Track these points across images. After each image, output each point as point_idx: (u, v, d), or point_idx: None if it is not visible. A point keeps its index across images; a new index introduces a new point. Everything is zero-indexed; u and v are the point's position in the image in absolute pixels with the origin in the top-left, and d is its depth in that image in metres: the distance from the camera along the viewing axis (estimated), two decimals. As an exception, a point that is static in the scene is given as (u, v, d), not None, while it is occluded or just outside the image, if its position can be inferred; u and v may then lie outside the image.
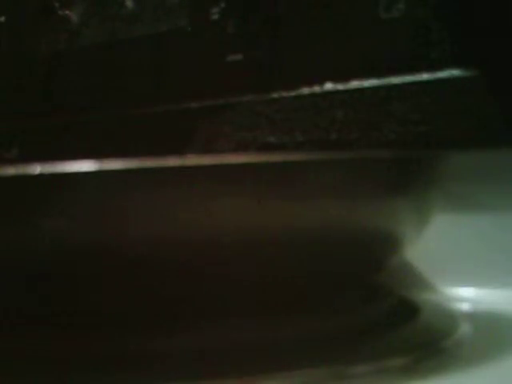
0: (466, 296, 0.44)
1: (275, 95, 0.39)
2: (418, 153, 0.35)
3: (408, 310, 0.37)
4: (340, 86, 0.37)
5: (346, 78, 0.37)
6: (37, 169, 0.27)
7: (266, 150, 0.39)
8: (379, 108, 0.36)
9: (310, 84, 0.38)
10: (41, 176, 0.27)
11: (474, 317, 0.40)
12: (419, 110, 0.35)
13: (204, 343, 0.30)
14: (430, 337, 0.35)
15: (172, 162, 0.28)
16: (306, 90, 0.39)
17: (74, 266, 0.29)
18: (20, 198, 0.28)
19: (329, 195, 0.31)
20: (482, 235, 0.45)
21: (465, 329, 0.36)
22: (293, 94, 0.39)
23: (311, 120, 0.38)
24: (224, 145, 0.40)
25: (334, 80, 0.38)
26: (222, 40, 0.41)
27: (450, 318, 0.39)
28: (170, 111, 0.43)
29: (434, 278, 0.45)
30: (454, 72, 0.35)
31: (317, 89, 0.38)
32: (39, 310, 0.30)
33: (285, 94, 0.39)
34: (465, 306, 0.42)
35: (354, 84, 0.37)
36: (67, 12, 0.47)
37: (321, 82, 0.38)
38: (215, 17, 0.42)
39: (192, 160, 0.30)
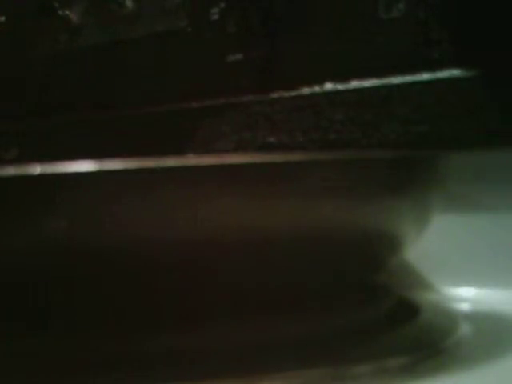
0: (465, 296, 0.44)
1: (275, 95, 0.39)
2: (418, 153, 0.35)
3: (408, 310, 0.37)
4: (340, 86, 0.37)
5: (345, 78, 0.37)
6: (37, 169, 0.27)
7: (266, 150, 0.39)
8: (379, 108, 0.36)
9: (309, 84, 0.38)
10: (41, 176, 0.27)
11: (474, 317, 0.40)
12: (419, 109, 0.35)
13: (204, 343, 0.30)
14: (430, 337, 0.35)
15: (172, 162, 0.28)
16: (306, 90, 0.39)
17: (73, 265, 0.29)
18: (20, 198, 0.28)
19: (329, 195, 0.31)
20: (481, 235, 0.45)
21: (465, 329, 0.36)
22: (293, 93, 0.39)
23: (311, 120, 0.38)
24: (224, 145, 0.40)
25: (334, 80, 0.38)
26: (222, 40, 0.41)
27: (450, 318, 0.39)
28: (170, 111, 0.43)
29: (434, 278, 0.45)
30: (454, 72, 0.35)
31: (317, 89, 0.38)
32: (39, 310, 0.30)
33: (285, 94, 0.39)
34: (465, 306, 0.42)
35: (354, 84, 0.37)
36: (67, 12, 0.47)
37: (321, 82, 0.38)
38: (215, 17, 0.42)
39: (192, 160, 0.30)
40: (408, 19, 0.36)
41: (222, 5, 0.41)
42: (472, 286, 0.44)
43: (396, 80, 0.36)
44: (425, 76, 0.35)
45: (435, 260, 0.45)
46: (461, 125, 0.35)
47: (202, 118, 0.41)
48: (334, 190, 0.31)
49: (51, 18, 0.48)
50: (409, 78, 0.36)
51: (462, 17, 0.35)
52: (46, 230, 0.28)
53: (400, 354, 0.32)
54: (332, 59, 0.38)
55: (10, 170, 0.27)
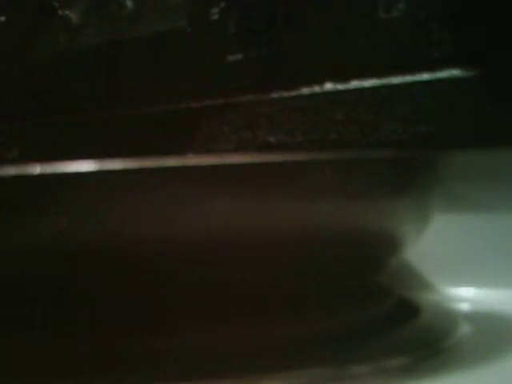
0: (465, 296, 0.44)
1: (275, 95, 0.39)
2: (418, 153, 0.35)
3: (408, 310, 0.37)
4: (340, 86, 0.37)
5: (345, 78, 0.37)
6: (37, 169, 0.27)
7: (266, 150, 0.39)
8: (379, 108, 0.36)
9: (309, 84, 0.38)
10: (41, 176, 0.27)
11: (474, 317, 0.40)
12: (419, 109, 0.35)
13: (204, 343, 0.30)
14: (430, 337, 0.35)
15: (172, 162, 0.28)
16: (306, 90, 0.39)
17: (73, 265, 0.29)
18: (20, 198, 0.28)
19: (329, 195, 0.31)
20: (481, 235, 0.45)
21: (465, 329, 0.36)
22: (293, 93, 0.39)
23: (311, 120, 0.38)
24: (224, 145, 0.40)
25: (334, 80, 0.38)
26: (222, 40, 0.41)
27: (450, 318, 0.39)
28: (170, 111, 0.43)
29: (434, 278, 0.45)
30: (454, 72, 0.35)
31: (317, 89, 0.38)
32: (39, 310, 0.30)
33: (285, 94, 0.39)
34: (465, 306, 0.42)
35: (354, 84, 0.37)
36: (67, 12, 0.47)
37: (321, 82, 0.38)
38: (215, 17, 0.42)
39: (192, 160, 0.30)
40: (408, 19, 0.36)
41: (222, 5, 0.41)
42: (472, 286, 0.45)
43: (396, 80, 0.36)
44: (425, 76, 0.35)
45: (435, 260, 0.45)
46: (461, 125, 0.35)
47: (202, 118, 0.41)
48: (334, 190, 0.31)
49: (51, 18, 0.48)
50: (409, 78, 0.36)
51: (462, 17, 0.35)
52: (46, 229, 0.28)
53: (400, 354, 0.32)
54: (332, 59, 0.38)
55: (10, 170, 0.27)
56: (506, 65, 0.34)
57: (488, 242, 0.44)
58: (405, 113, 0.36)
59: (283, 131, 0.39)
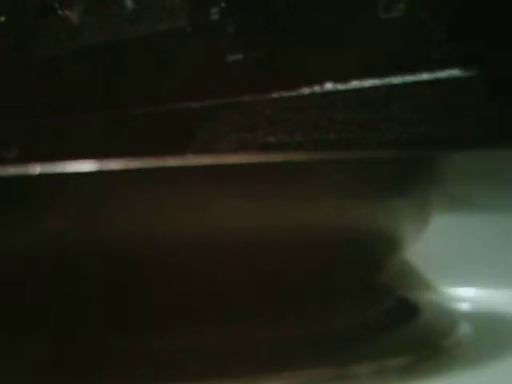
0: (465, 296, 0.44)
1: (275, 95, 0.39)
2: (418, 153, 0.35)
3: (408, 310, 0.37)
4: (340, 86, 0.37)
5: (345, 78, 0.37)
6: (37, 169, 0.27)
7: (265, 150, 0.39)
8: (379, 108, 0.36)
9: (309, 84, 0.38)
10: (41, 176, 0.27)
11: (474, 317, 0.40)
12: (419, 109, 0.35)
13: (204, 343, 0.30)
14: (430, 337, 0.35)
15: (172, 161, 0.28)
16: (306, 90, 0.39)
17: (73, 265, 0.29)
18: (20, 198, 0.28)
19: (329, 195, 0.31)
20: (481, 235, 0.45)
21: (465, 329, 0.36)
22: (293, 93, 0.39)
23: (311, 120, 0.38)
24: (224, 145, 0.40)
25: (334, 80, 0.38)
26: (222, 40, 0.41)
27: (450, 318, 0.39)
28: (170, 111, 0.43)
29: (434, 278, 0.45)
30: (454, 72, 0.35)
31: (317, 89, 0.38)
32: (38, 310, 0.30)
33: (285, 93, 0.39)
34: (465, 306, 0.42)
35: (354, 84, 0.37)
36: (67, 12, 0.47)
37: (321, 82, 0.38)
38: (215, 17, 0.42)
39: (192, 160, 0.30)
40: (408, 19, 0.36)
41: (222, 5, 0.41)
42: (472, 286, 0.44)
43: (396, 80, 0.36)
44: (425, 76, 0.35)
45: (435, 260, 0.45)
46: (461, 125, 0.35)
47: (202, 118, 0.41)
48: (333, 190, 0.31)
49: (51, 18, 0.48)
50: (409, 78, 0.36)
51: (462, 17, 0.35)
52: (46, 229, 0.28)
53: (400, 354, 0.32)
54: (332, 59, 0.38)
55: (10, 170, 0.27)
56: (506, 65, 0.34)
57: (488, 242, 0.44)
58: (405, 113, 0.36)
59: (283, 131, 0.39)
